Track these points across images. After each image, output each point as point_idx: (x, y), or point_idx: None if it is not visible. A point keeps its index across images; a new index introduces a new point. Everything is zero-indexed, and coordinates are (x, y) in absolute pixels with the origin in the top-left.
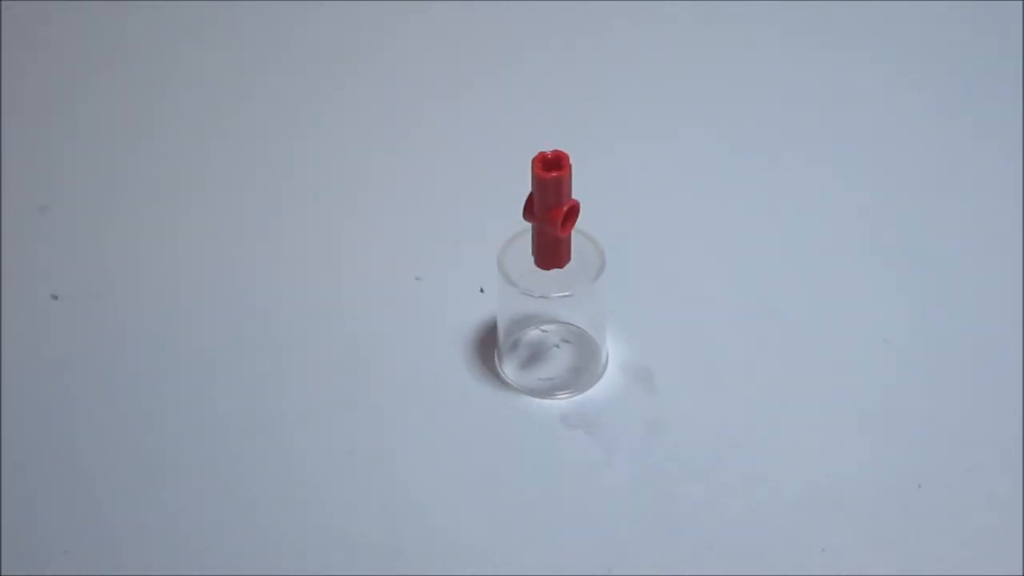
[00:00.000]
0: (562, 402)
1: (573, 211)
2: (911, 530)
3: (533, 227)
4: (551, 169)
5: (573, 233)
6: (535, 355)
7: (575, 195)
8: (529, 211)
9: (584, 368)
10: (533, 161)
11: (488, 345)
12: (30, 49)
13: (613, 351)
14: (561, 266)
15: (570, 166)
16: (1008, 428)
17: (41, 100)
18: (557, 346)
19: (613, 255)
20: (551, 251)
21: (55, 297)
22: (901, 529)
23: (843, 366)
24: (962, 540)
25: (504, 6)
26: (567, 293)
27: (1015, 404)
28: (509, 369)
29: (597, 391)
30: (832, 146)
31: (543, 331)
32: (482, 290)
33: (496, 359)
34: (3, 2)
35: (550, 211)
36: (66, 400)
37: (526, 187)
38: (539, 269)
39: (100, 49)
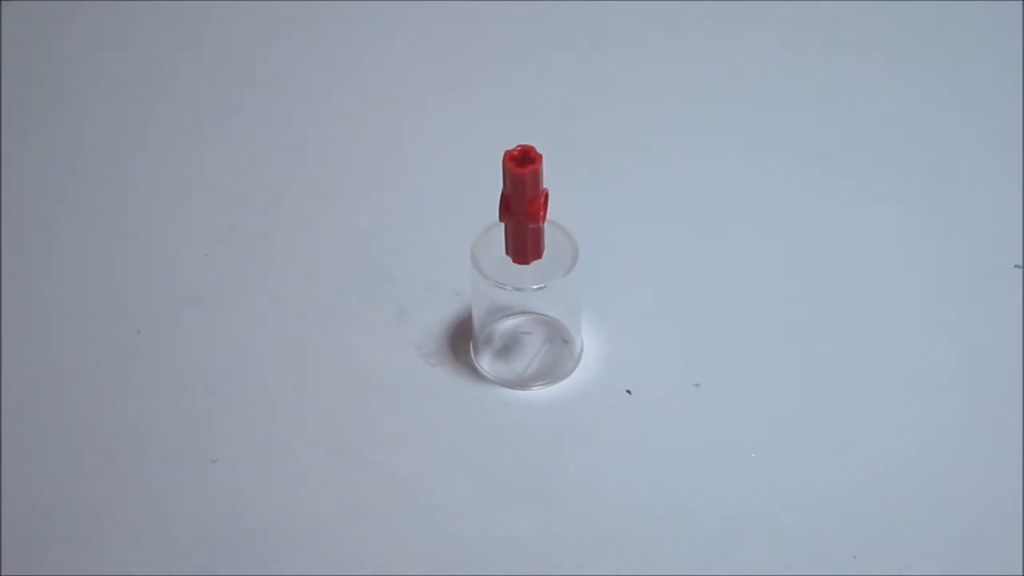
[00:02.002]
0: (537, 392)
1: (546, 199)
2: (911, 531)
3: (507, 224)
4: (523, 164)
5: (546, 225)
6: (510, 346)
7: (548, 187)
8: (506, 211)
9: (559, 358)
10: (504, 159)
11: (463, 337)
12: (30, 49)
13: (588, 341)
14: (538, 258)
15: (540, 157)
16: (1010, 432)
17: (41, 100)
18: (527, 332)
19: (586, 246)
20: (527, 246)
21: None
22: (901, 530)
23: (821, 354)
24: (962, 540)
25: (478, 7)
26: (540, 285)
27: (1016, 408)
28: (484, 361)
29: (572, 381)
30: (807, 136)
31: (524, 333)
32: (629, 391)
33: (471, 351)
34: (3, 2)
35: (529, 204)
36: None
37: (497, 181)
38: (513, 263)
39: (100, 49)
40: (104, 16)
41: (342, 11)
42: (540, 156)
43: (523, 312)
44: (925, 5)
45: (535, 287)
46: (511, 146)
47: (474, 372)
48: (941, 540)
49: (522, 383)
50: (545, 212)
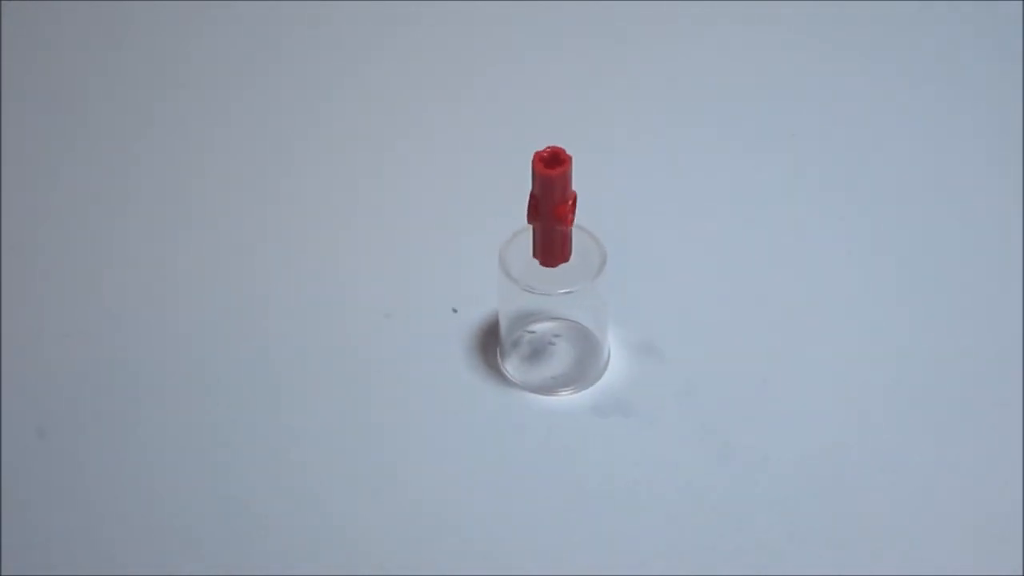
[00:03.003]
0: (564, 399)
1: (574, 202)
2: (910, 530)
3: (535, 227)
4: (553, 166)
5: (574, 230)
6: (537, 352)
7: (575, 190)
8: (534, 213)
9: (586, 365)
10: (533, 160)
11: (490, 342)
12: (30, 49)
13: (615, 347)
14: (565, 261)
15: (570, 159)
16: (1008, 430)
17: (41, 100)
18: (551, 343)
19: (614, 251)
20: (555, 248)
21: None
22: (900, 529)
23: (844, 357)
24: (962, 540)
25: (499, 5)
26: (568, 290)
27: (1015, 406)
28: (511, 366)
29: (599, 387)
30: (833, 142)
31: (551, 342)
32: (455, 310)
33: (498, 356)
34: (3, 2)
35: (557, 207)
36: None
37: (526, 184)
38: (540, 266)
39: (100, 49)
40: (104, 16)
41: (366, 8)
42: (570, 158)
43: (550, 318)
44: (927, 5)
45: (563, 291)
46: (538, 147)
47: (501, 377)
48: (940, 539)
49: (549, 389)
50: (574, 215)
